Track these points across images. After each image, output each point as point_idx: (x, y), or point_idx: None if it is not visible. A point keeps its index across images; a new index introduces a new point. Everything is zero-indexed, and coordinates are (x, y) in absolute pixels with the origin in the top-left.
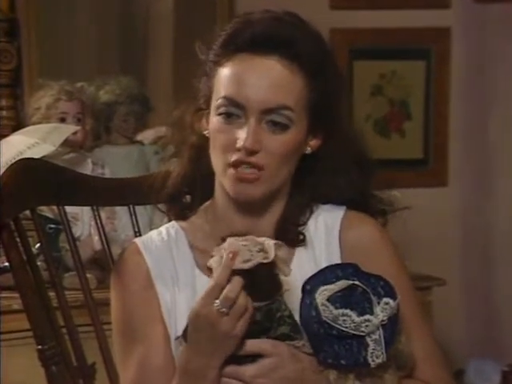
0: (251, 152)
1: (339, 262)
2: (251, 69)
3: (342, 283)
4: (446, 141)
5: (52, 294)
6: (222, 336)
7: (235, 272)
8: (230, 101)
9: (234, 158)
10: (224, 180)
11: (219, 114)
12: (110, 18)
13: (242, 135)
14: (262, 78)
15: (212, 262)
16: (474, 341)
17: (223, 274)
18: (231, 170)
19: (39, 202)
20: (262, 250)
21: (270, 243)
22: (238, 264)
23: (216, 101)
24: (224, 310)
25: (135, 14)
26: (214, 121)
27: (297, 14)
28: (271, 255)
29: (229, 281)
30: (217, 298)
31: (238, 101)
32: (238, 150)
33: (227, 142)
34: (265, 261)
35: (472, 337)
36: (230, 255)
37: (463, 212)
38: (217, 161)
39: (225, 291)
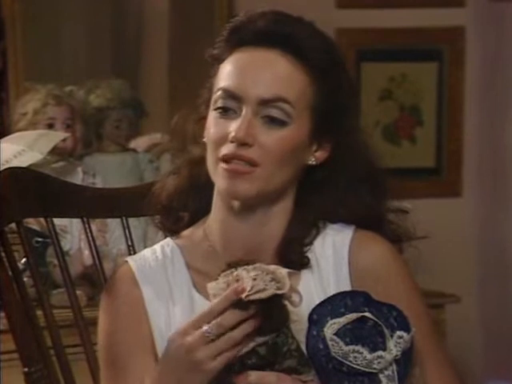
0: (243, 144)
1: (348, 286)
2: (252, 61)
3: (352, 316)
4: (461, 148)
5: (39, 312)
6: (193, 365)
7: (244, 303)
8: (227, 92)
9: (225, 151)
10: (215, 177)
11: (216, 109)
12: (100, 17)
13: (234, 126)
14: (262, 70)
15: (214, 287)
16: (490, 362)
17: (222, 303)
18: (222, 165)
19: (26, 213)
20: (274, 279)
21: (282, 272)
22: (252, 295)
23: (215, 94)
24: (210, 335)
25: (128, 13)
26: (211, 116)
27: (308, 20)
28: (286, 286)
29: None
30: (207, 323)
31: (235, 91)
32: (231, 142)
33: (220, 135)
34: (279, 292)
35: (489, 358)
36: (239, 289)
37: (478, 224)
38: (209, 157)
39: (220, 317)
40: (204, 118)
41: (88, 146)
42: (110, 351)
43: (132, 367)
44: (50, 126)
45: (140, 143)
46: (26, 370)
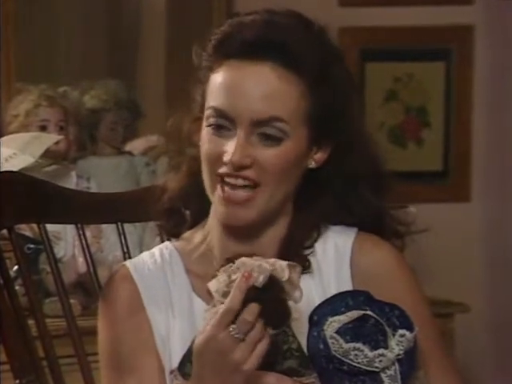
0: (239, 167)
1: (350, 288)
2: (241, 77)
3: (353, 313)
4: (469, 151)
5: (31, 321)
6: (232, 367)
7: (257, 290)
8: (217, 111)
9: (221, 171)
10: (213, 198)
11: (209, 126)
12: (96, 15)
13: (229, 148)
14: (253, 88)
15: (214, 284)
16: (501, 372)
17: (237, 296)
18: (219, 190)
19: (17, 219)
20: (275, 270)
21: (282, 264)
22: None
23: (206, 111)
24: (240, 335)
25: (124, 12)
26: (204, 132)
27: (298, 13)
28: (286, 275)
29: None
30: (231, 324)
31: (227, 112)
32: (225, 164)
33: (214, 155)
34: (282, 278)
35: (499, 368)
36: (246, 274)
37: (488, 230)
38: (205, 175)
39: (243, 314)
40: (199, 119)
41: (82, 148)
42: (112, 355)
43: (137, 368)
44: (43, 128)
45: (136, 146)
46: (17, 381)
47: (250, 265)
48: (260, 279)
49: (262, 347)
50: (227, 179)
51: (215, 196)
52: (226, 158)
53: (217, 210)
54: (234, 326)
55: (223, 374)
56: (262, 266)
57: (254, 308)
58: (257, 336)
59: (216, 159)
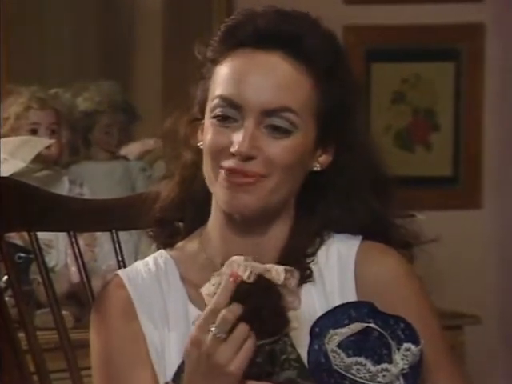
0: (247, 158)
1: (354, 298)
2: (251, 65)
3: (356, 326)
4: (480, 155)
5: (22, 334)
6: (218, 370)
7: (243, 292)
8: (225, 101)
9: (227, 164)
10: (215, 188)
11: (214, 117)
12: (89, 14)
13: (237, 139)
14: (263, 76)
15: (207, 287)
16: None
17: (222, 296)
18: (223, 175)
19: (7, 227)
20: (269, 272)
21: (279, 268)
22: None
23: (211, 101)
24: (221, 335)
25: (119, 10)
26: (208, 124)
27: (307, 12)
28: (281, 277)
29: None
30: (214, 323)
31: (235, 100)
32: (233, 155)
33: (219, 146)
34: (277, 281)
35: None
36: (233, 273)
37: (500, 238)
38: (207, 168)
39: (222, 312)
40: (197, 120)
41: (75, 153)
42: (106, 367)
43: (133, 381)
44: (34, 132)
45: (132, 150)
46: None
47: (239, 262)
48: (247, 274)
49: (247, 348)
50: (231, 175)
51: (218, 183)
52: (233, 148)
53: (220, 198)
54: (214, 325)
55: (210, 377)
56: (251, 264)
57: (235, 307)
58: (239, 336)
59: (221, 150)
